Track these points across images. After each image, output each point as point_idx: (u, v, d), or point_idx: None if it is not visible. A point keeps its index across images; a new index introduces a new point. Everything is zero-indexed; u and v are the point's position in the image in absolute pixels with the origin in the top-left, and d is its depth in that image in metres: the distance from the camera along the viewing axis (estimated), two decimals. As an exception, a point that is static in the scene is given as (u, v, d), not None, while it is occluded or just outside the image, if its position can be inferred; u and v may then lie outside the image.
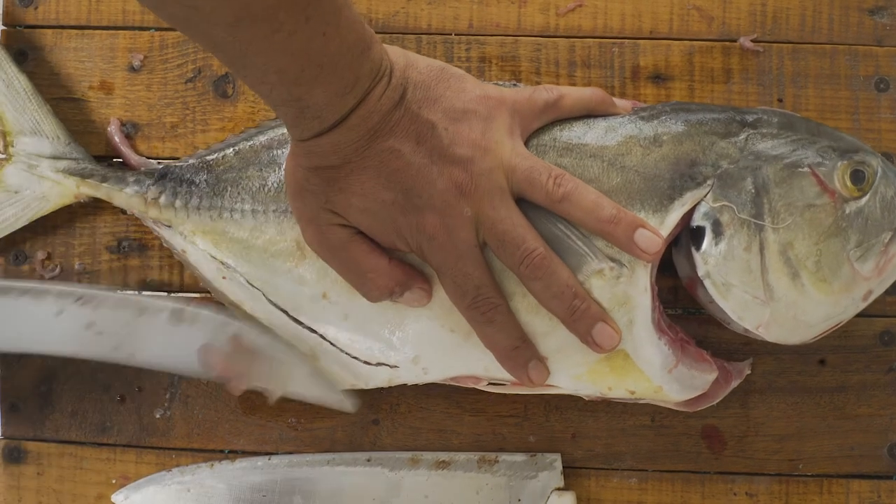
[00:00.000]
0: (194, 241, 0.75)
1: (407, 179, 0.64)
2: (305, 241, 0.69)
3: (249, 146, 0.75)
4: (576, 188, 0.66)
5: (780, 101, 0.77)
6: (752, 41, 0.77)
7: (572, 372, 0.70)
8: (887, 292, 0.72)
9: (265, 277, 0.74)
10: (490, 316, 0.67)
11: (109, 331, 0.73)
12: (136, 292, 0.77)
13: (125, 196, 0.75)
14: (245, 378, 0.73)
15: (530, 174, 0.66)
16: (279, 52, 0.57)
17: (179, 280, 0.78)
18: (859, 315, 0.70)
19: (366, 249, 0.67)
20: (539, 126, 0.70)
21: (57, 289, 0.73)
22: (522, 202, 0.67)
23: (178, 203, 0.75)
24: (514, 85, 0.73)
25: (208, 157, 0.75)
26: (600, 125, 0.71)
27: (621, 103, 0.72)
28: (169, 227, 0.75)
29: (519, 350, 0.68)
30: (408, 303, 0.70)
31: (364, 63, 0.61)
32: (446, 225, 0.65)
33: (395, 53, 0.65)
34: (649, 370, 0.69)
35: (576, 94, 0.70)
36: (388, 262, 0.67)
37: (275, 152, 0.74)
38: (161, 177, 0.75)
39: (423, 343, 0.71)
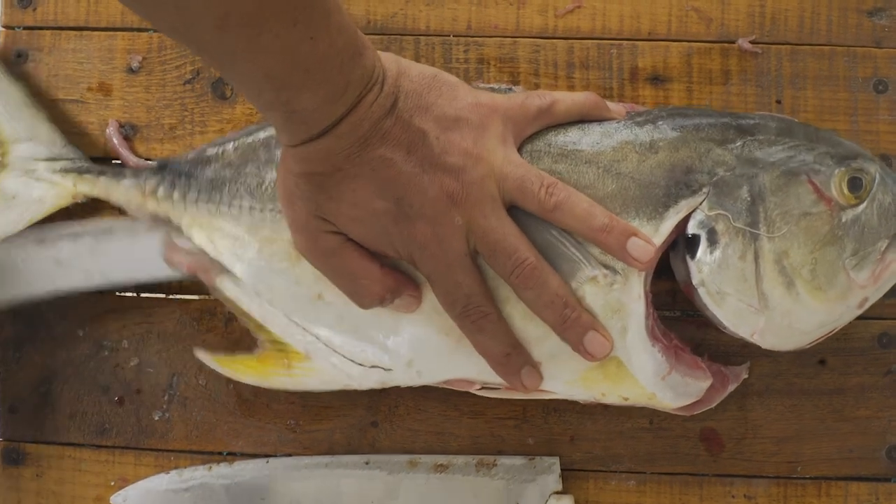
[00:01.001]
0: (191, 235, 0.75)
1: (398, 188, 0.64)
2: (297, 248, 0.69)
3: (249, 142, 0.74)
4: (568, 197, 0.66)
5: (778, 102, 0.76)
6: (751, 42, 0.76)
7: (566, 378, 0.70)
8: (886, 295, 0.71)
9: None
10: (481, 325, 0.67)
11: (76, 263, 0.75)
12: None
13: (123, 188, 0.75)
14: (214, 269, 0.74)
15: (522, 183, 0.66)
16: (266, 54, 0.57)
17: (179, 279, 0.78)
18: (857, 317, 0.70)
19: (357, 256, 0.67)
20: (532, 132, 0.70)
21: (13, 240, 0.76)
22: (515, 209, 0.66)
23: (175, 195, 0.74)
24: (510, 89, 0.73)
25: (208, 151, 0.75)
26: (595, 131, 0.70)
27: (615, 108, 0.71)
28: (167, 221, 0.75)
29: (511, 357, 0.68)
30: (398, 309, 0.70)
31: (355, 69, 0.61)
32: (437, 234, 0.64)
33: (388, 60, 0.65)
34: (642, 377, 0.69)
35: (569, 100, 0.70)
36: (380, 269, 0.67)
37: (274, 150, 0.73)
38: (160, 168, 0.75)
39: (417, 346, 0.71)
